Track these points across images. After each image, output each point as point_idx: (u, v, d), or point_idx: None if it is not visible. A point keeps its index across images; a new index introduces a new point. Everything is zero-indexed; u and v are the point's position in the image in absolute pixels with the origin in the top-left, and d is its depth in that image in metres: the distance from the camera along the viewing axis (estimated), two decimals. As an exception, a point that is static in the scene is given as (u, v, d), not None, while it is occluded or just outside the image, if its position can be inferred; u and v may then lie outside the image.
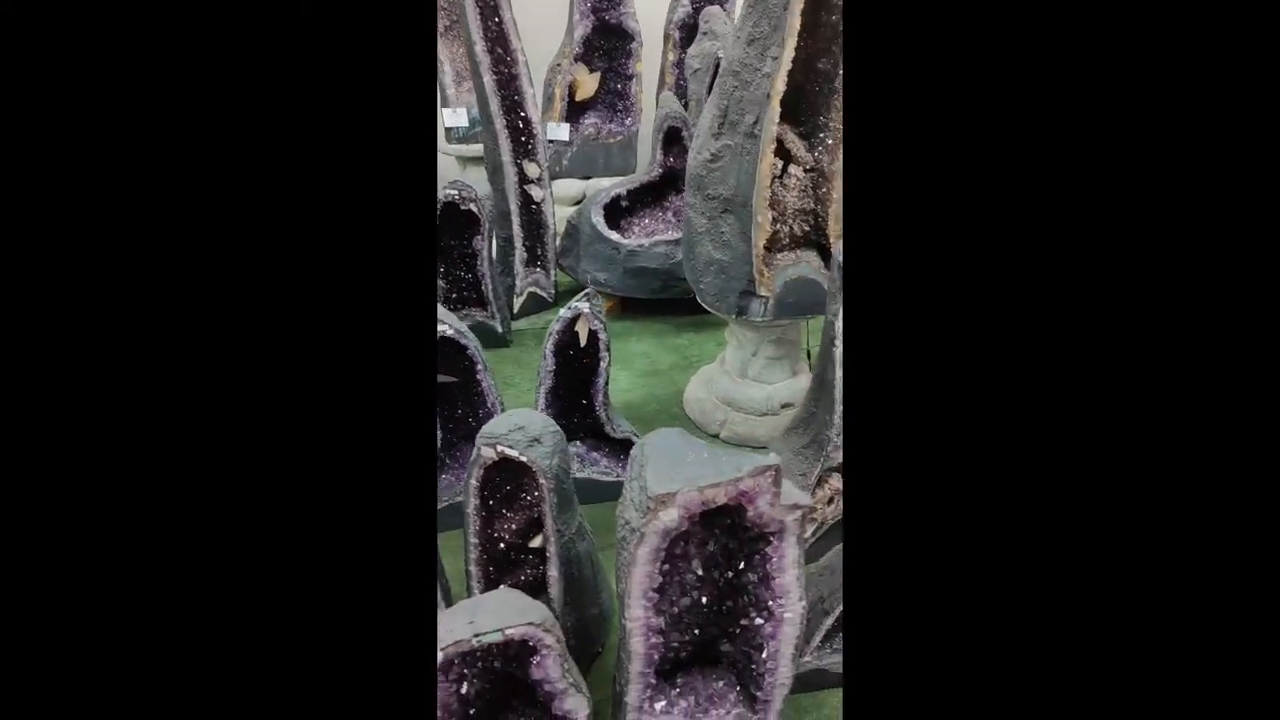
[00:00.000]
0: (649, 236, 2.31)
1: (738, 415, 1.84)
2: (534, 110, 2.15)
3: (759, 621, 1.03)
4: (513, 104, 2.15)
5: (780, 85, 1.38)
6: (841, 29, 1.45)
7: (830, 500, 1.45)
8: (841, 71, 1.45)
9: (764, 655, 1.04)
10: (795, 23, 1.33)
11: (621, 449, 1.60)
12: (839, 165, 1.51)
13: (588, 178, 2.76)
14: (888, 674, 0.58)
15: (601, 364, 1.47)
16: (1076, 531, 0.56)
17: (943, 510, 0.58)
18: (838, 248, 1.60)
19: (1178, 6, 0.54)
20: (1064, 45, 0.56)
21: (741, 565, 1.01)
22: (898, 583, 0.59)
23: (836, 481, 1.43)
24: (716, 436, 1.88)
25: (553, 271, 2.40)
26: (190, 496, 0.56)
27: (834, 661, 1.22)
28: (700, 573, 1.04)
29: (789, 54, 1.36)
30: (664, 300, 2.35)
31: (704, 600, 1.06)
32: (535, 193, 2.27)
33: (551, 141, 2.70)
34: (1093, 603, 0.55)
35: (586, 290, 1.43)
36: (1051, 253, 0.57)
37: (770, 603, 1.00)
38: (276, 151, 0.57)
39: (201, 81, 0.56)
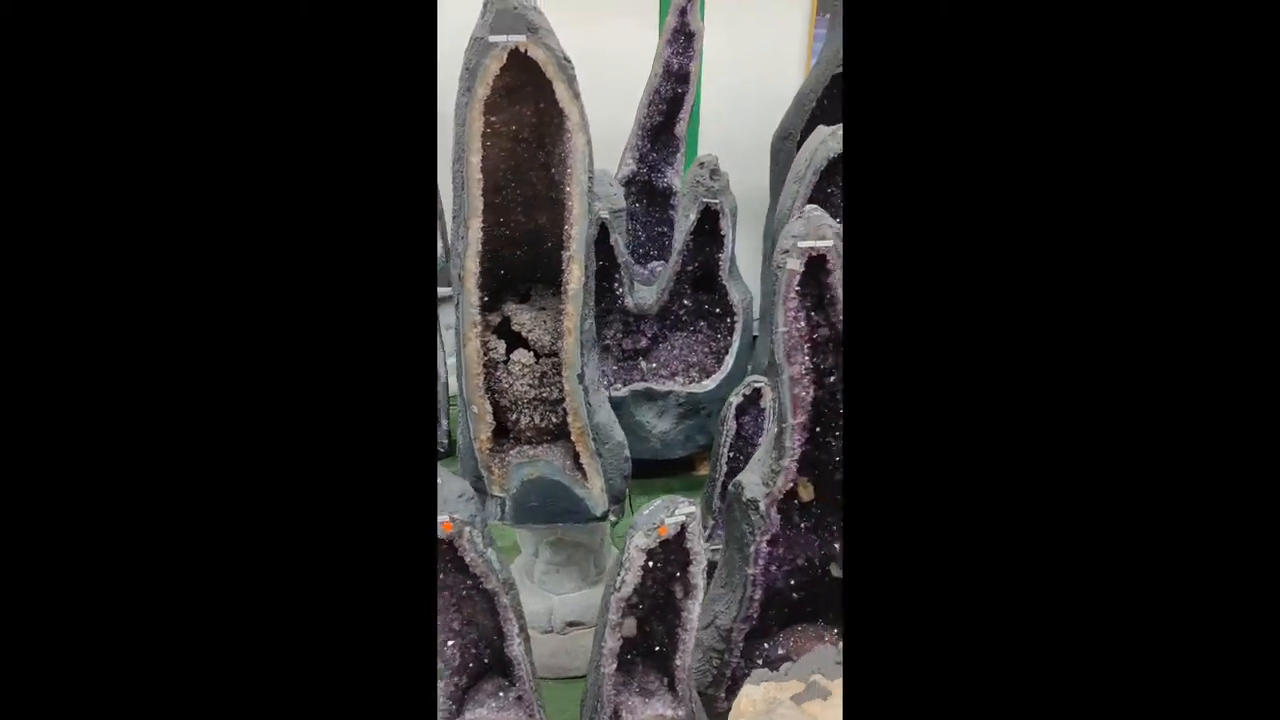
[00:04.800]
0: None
1: (512, 625, 1.58)
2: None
3: None
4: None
5: (472, 265, 1.23)
6: (589, 207, 1.28)
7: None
8: (570, 252, 1.27)
9: None
10: (477, 204, 1.19)
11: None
12: (569, 355, 1.30)
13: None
14: (886, 679, 0.59)
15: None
16: (1075, 541, 0.57)
17: (940, 518, 0.59)
18: (582, 446, 1.36)
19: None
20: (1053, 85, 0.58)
21: None
22: (895, 588, 0.60)
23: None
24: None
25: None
26: (187, 494, 0.56)
27: None
28: None
29: (475, 234, 1.21)
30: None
31: None
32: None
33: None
34: (1085, 617, 0.56)
35: None
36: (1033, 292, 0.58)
37: None
38: (276, 159, 0.58)
39: (202, 82, 0.57)
